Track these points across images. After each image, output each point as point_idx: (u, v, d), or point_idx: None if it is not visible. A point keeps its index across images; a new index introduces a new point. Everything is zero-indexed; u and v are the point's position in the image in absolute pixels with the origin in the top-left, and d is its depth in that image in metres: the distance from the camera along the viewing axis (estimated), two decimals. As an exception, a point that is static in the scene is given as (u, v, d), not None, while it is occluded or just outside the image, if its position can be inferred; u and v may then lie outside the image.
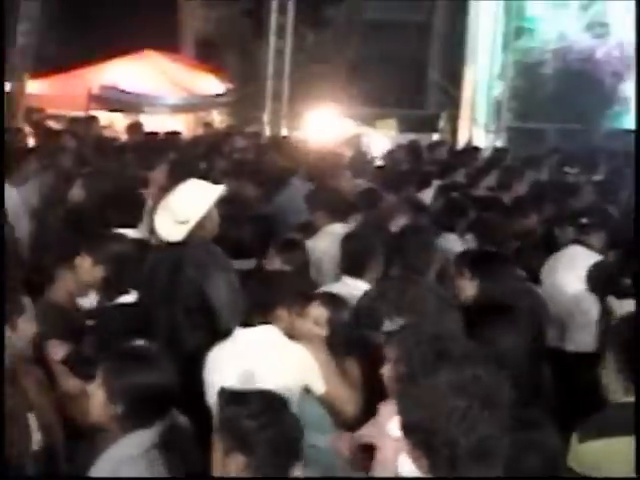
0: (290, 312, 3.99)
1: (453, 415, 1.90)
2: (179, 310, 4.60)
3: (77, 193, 6.92)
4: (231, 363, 3.87)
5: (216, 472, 2.77)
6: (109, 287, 4.52)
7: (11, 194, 7.10)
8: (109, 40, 15.30)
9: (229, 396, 2.90)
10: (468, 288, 4.46)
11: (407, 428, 1.97)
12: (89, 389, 3.14)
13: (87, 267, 4.54)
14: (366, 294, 4.24)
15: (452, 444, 1.91)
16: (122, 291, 4.48)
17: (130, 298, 4.49)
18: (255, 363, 3.80)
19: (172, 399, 3.11)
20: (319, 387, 3.91)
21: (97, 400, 3.06)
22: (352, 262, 5.05)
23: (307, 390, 3.93)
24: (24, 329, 3.14)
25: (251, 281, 4.23)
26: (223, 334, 4.12)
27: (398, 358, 2.89)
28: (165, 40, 16.90)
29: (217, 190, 4.90)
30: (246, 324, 3.98)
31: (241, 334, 3.99)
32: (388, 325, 3.84)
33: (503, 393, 1.96)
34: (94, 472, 2.98)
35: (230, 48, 15.99)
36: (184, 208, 4.73)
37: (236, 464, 2.70)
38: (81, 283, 4.62)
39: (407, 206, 6.74)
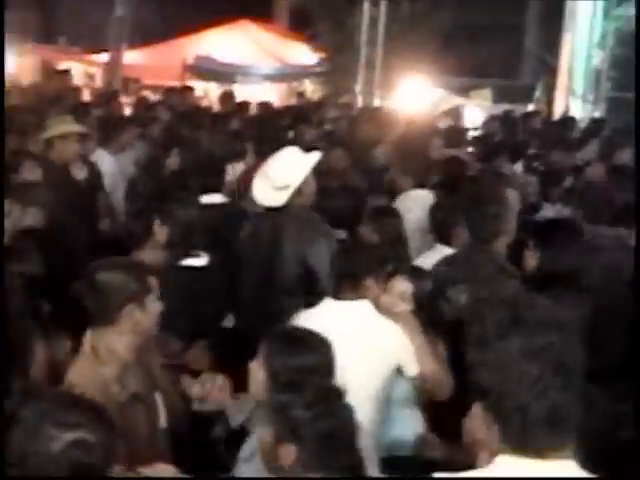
0: (378, 285, 3.94)
1: (524, 380, 1.89)
2: (299, 276, 4.67)
3: (173, 161, 7.05)
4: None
5: (265, 459, 2.75)
6: (175, 248, 4.58)
7: (109, 162, 7.27)
8: (204, 10, 15.45)
9: (285, 382, 2.88)
10: (530, 258, 4.39)
11: (479, 392, 1.97)
12: (252, 367, 3.12)
13: (158, 230, 4.65)
14: (436, 263, 4.22)
15: (522, 409, 1.89)
16: (190, 253, 4.52)
17: (200, 261, 4.51)
18: (348, 339, 3.66)
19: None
20: (412, 368, 3.81)
21: (258, 378, 3.07)
22: (440, 230, 5.14)
23: (399, 370, 3.86)
24: (151, 308, 3.14)
25: (341, 252, 4.20)
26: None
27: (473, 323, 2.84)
28: (259, 10, 16.96)
29: (314, 157, 4.98)
30: (336, 296, 3.94)
31: (333, 306, 3.93)
32: (452, 292, 3.82)
33: (577, 361, 1.93)
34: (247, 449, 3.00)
35: (324, 17, 15.91)
36: (283, 174, 4.82)
37: (287, 453, 2.65)
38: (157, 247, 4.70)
39: (495, 176, 6.68)
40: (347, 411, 2.72)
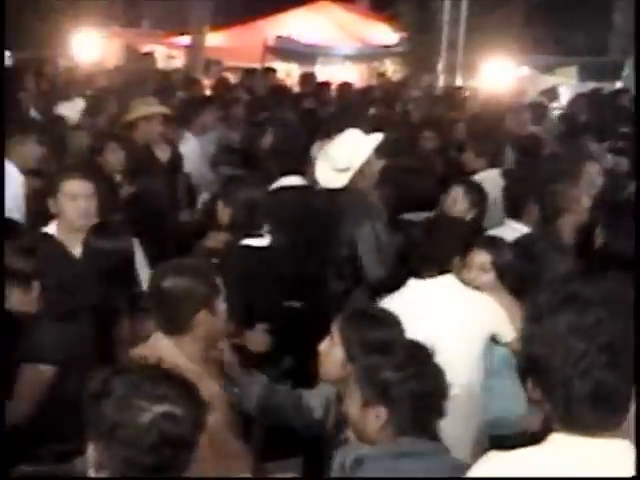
0: (461, 262, 3.99)
1: (570, 356, 1.88)
2: (327, 257, 4.66)
3: (266, 141, 7.02)
4: (416, 314, 3.74)
5: (354, 424, 2.73)
6: (237, 229, 4.54)
7: (191, 143, 7.33)
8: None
9: (373, 345, 2.87)
10: (599, 237, 4.38)
11: (527, 365, 1.97)
12: (324, 348, 3.13)
13: (222, 212, 4.61)
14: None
15: (567, 385, 1.89)
16: (252, 234, 4.47)
17: (262, 242, 4.48)
18: (443, 313, 3.80)
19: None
20: (508, 334, 3.86)
21: (335, 357, 3.06)
22: (512, 206, 5.17)
23: (494, 338, 3.91)
24: (221, 310, 3.08)
25: (427, 232, 4.18)
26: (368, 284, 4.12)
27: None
28: (340, -10, 16.91)
29: (376, 138, 4.97)
30: (420, 275, 3.95)
31: (421, 284, 3.94)
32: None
33: (627, 341, 1.89)
34: None
35: (405, -4, 15.80)
36: (344, 156, 4.84)
37: (377, 416, 2.64)
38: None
39: (572, 154, 6.59)
40: (438, 373, 2.72)
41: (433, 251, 3.95)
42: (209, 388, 3.01)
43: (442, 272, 3.91)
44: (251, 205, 4.48)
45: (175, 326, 2.99)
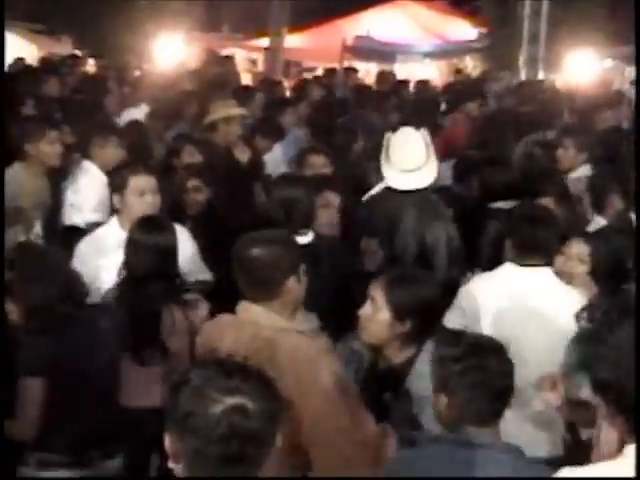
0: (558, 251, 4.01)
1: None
2: (417, 257, 4.67)
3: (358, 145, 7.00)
4: (507, 299, 3.87)
5: (435, 406, 2.84)
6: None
7: (273, 148, 7.35)
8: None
9: (443, 335, 3.01)
10: None
11: (598, 386, 1.91)
12: (366, 312, 3.27)
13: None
14: None
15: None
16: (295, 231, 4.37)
17: (305, 239, 4.38)
18: (532, 301, 3.83)
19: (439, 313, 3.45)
20: None
21: (380, 319, 3.22)
22: (596, 199, 5.21)
23: None
24: (304, 279, 3.10)
25: (526, 221, 4.13)
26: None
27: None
28: (419, -13, 16.81)
29: (421, 135, 4.94)
30: (518, 262, 3.96)
31: (516, 270, 3.95)
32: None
33: None
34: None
35: (485, -9, 15.60)
36: (410, 157, 4.81)
37: (441, 403, 2.78)
38: None
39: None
40: (502, 364, 2.76)
41: (536, 239, 3.93)
42: (323, 342, 3.21)
43: (545, 262, 3.92)
44: (291, 202, 4.44)
45: (266, 293, 3.00)
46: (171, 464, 2.01)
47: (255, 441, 1.96)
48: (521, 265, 3.94)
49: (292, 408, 2.62)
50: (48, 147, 5.44)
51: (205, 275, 4.64)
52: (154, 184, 4.49)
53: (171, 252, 4.01)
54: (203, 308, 4.03)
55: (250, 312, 3.03)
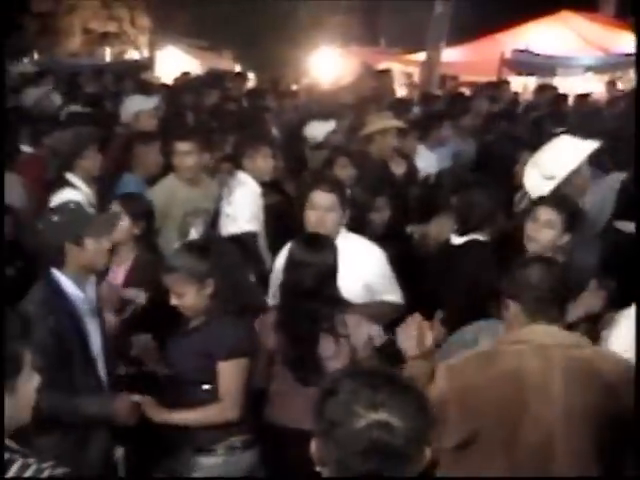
0: None
1: None
2: None
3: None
4: None
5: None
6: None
7: (427, 157, 7.28)
8: (523, 3, 15.14)
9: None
10: None
11: None
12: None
13: None
14: None
15: None
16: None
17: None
18: None
19: None
20: None
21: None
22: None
23: None
24: None
25: None
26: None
27: None
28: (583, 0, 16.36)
29: (589, 147, 4.69)
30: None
31: None
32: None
33: None
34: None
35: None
36: (551, 164, 4.70)
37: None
38: None
39: None
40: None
41: None
42: None
43: None
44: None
45: (554, 311, 3.14)
46: (318, 467, 2.01)
47: (398, 458, 1.92)
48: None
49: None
50: (188, 159, 5.57)
51: (393, 296, 4.47)
52: (332, 201, 4.43)
53: (331, 271, 3.92)
54: (365, 330, 3.89)
55: (549, 334, 3.05)
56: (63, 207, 3.75)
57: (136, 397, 3.58)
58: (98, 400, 3.57)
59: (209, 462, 3.67)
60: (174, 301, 3.67)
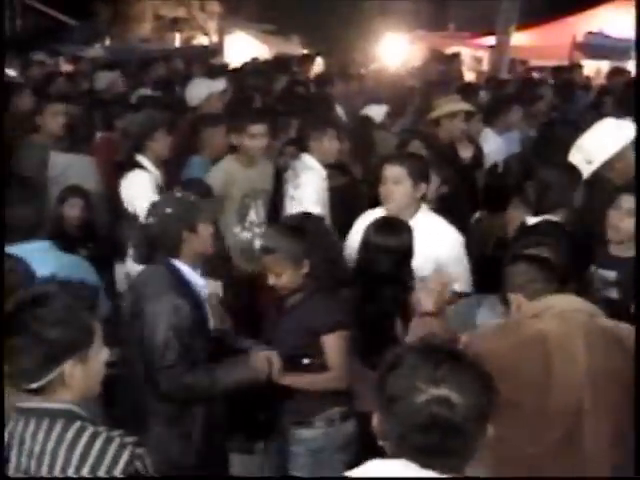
0: None
1: None
2: None
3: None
4: None
5: None
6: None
7: (495, 142, 7.21)
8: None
9: None
10: None
11: None
12: None
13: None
14: None
15: None
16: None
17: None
18: None
19: None
20: None
21: None
22: None
23: None
24: None
25: None
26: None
27: None
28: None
29: (632, 131, 4.67)
30: None
31: None
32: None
33: None
34: None
35: None
36: (592, 148, 4.67)
37: None
38: None
39: None
40: None
41: None
42: None
43: None
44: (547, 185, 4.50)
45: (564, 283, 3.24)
46: (380, 442, 2.03)
47: (458, 434, 1.93)
48: None
49: None
50: (258, 141, 5.60)
51: (463, 286, 4.39)
52: (403, 174, 4.46)
53: (405, 255, 3.97)
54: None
55: (568, 301, 3.10)
56: (169, 199, 3.82)
57: (266, 352, 3.68)
58: (234, 366, 3.67)
59: (309, 434, 3.79)
60: (272, 280, 3.78)
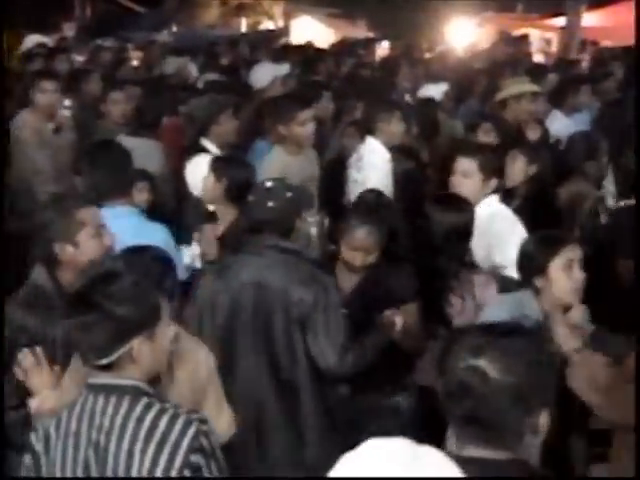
0: None
1: None
2: None
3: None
4: None
5: None
6: None
7: (562, 123, 7.09)
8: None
9: None
10: None
11: None
12: None
13: None
14: None
15: None
16: None
17: None
18: None
19: None
20: None
21: None
22: None
23: None
24: None
25: None
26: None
27: None
28: None
29: None
30: None
31: None
32: None
33: None
34: None
35: None
36: None
37: None
38: None
39: None
40: None
41: None
42: None
43: None
44: None
45: None
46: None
47: (489, 406, 1.93)
48: None
49: None
50: (308, 127, 5.46)
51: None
52: (472, 167, 4.42)
53: (461, 232, 3.96)
54: (492, 287, 3.92)
55: None
56: (284, 184, 3.80)
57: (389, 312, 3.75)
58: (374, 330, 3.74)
59: (391, 403, 3.89)
60: (359, 260, 3.87)
